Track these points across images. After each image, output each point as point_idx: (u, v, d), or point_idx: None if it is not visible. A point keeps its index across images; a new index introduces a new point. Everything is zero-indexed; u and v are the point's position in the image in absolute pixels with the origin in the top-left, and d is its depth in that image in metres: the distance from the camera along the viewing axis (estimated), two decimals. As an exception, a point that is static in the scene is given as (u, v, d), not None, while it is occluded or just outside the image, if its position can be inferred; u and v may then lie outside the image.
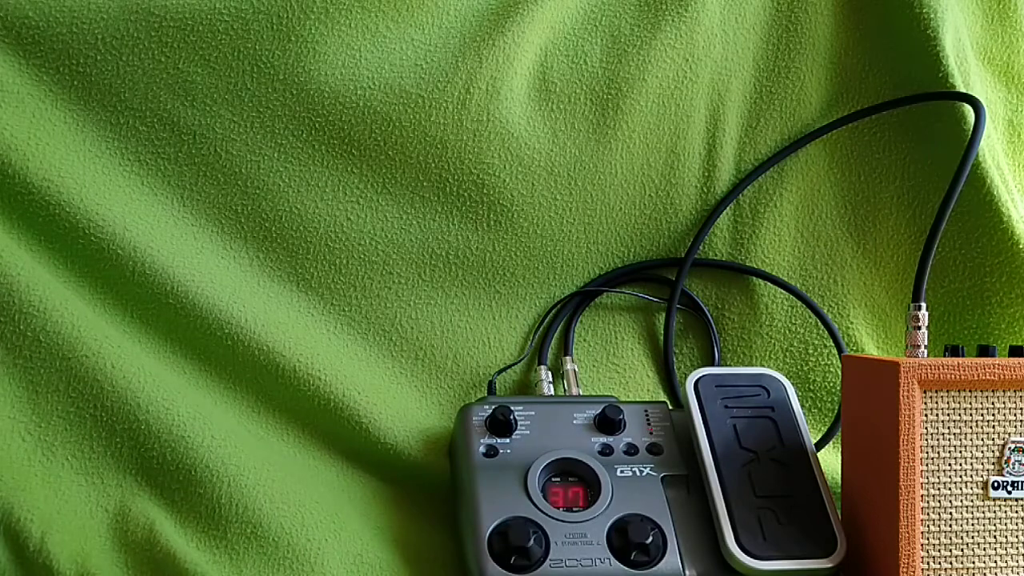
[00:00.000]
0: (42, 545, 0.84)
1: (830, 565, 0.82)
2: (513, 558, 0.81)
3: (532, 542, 0.81)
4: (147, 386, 0.90)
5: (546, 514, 0.84)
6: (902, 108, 1.06)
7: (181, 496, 0.89)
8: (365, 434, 0.94)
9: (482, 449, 0.89)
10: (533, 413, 0.91)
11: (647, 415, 0.93)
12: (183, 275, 0.93)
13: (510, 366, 1.01)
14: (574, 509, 0.85)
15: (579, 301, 1.03)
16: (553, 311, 1.03)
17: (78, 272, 0.93)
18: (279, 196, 0.97)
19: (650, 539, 0.83)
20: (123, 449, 0.90)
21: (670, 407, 0.94)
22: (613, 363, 1.04)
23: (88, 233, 0.92)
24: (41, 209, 0.91)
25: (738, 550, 0.82)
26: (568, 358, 1.01)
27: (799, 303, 1.05)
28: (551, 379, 0.99)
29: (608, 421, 0.91)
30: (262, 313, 0.95)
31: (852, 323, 1.05)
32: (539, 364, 1.01)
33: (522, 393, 1.01)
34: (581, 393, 0.99)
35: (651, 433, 0.91)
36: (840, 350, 1.04)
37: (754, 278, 1.06)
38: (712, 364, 1.04)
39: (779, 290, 1.05)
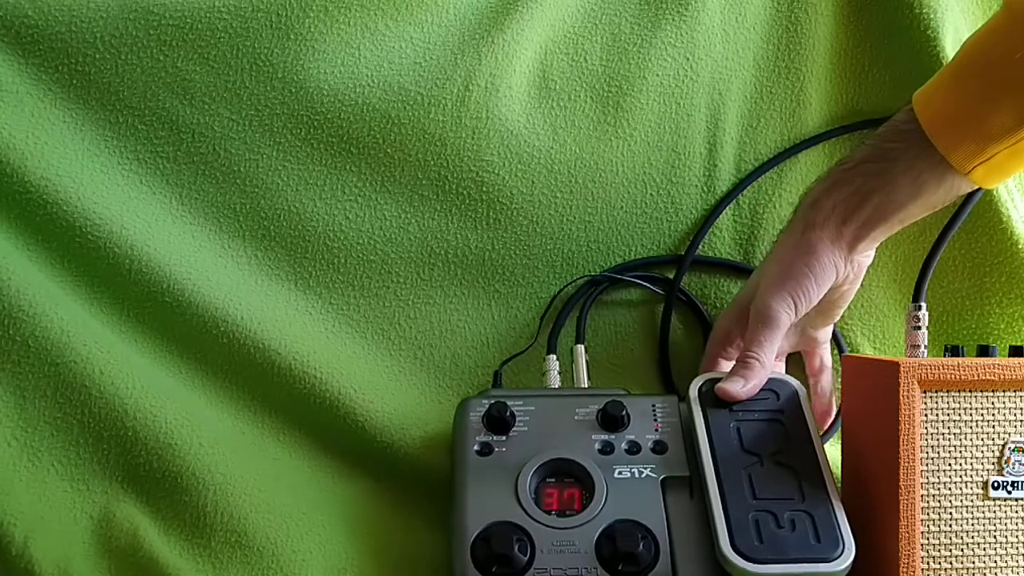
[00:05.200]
0: (24, 550, 0.84)
1: (834, 570, 0.79)
2: (495, 567, 0.79)
3: (516, 549, 0.79)
4: (135, 392, 0.90)
5: (534, 519, 0.82)
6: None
7: (166, 503, 0.89)
8: (362, 432, 0.94)
9: (476, 447, 0.87)
10: (533, 408, 0.89)
11: (655, 410, 0.90)
12: (181, 273, 0.93)
13: (516, 355, 1.00)
14: (567, 513, 0.83)
15: (589, 289, 1.02)
16: (560, 294, 1.01)
17: (75, 271, 0.93)
18: (278, 195, 0.97)
19: (640, 547, 0.80)
20: (109, 455, 0.90)
21: (680, 399, 0.92)
22: (616, 361, 1.03)
23: (85, 232, 0.92)
24: (39, 208, 0.91)
25: (732, 553, 0.79)
26: (580, 347, 1.00)
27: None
28: (559, 369, 0.98)
29: (610, 418, 0.88)
30: (259, 311, 0.95)
31: (848, 323, 1.05)
32: (548, 353, 0.99)
33: (533, 380, 0.99)
34: (590, 383, 0.97)
35: (656, 430, 0.89)
36: (840, 350, 1.04)
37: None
38: None
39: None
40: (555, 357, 0.99)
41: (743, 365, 0.89)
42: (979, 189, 0.97)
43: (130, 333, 0.94)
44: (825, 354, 1.01)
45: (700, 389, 0.90)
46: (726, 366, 0.97)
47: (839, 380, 1.03)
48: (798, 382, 0.91)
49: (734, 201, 1.05)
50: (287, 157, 0.97)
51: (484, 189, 0.99)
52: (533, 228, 1.01)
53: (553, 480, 0.86)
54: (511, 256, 1.01)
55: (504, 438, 0.87)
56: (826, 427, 1.01)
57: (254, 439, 0.94)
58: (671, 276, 1.04)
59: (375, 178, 0.99)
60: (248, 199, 0.97)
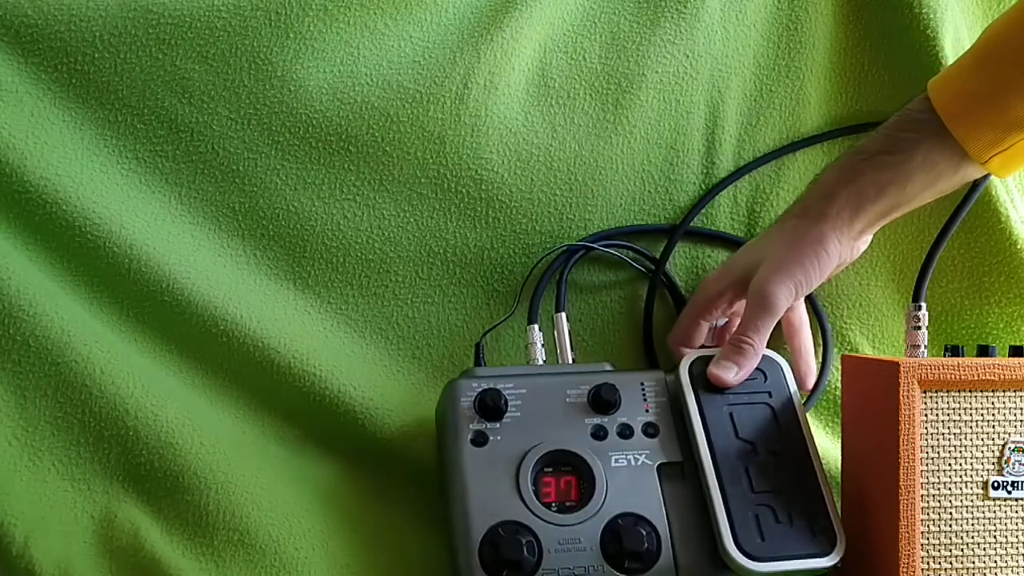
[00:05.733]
0: (25, 550, 0.84)
1: (829, 564, 0.81)
2: (504, 571, 0.80)
3: (524, 553, 0.80)
4: (136, 392, 0.90)
5: (538, 516, 0.83)
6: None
7: (168, 503, 0.89)
8: (361, 429, 0.94)
9: (471, 435, 0.86)
10: (524, 391, 0.89)
11: (643, 388, 0.90)
12: (180, 272, 0.93)
13: (497, 324, 0.99)
14: (568, 504, 0.84)
15: (567, 257, 1.01)
16: (540, 263, 1.01)
17: (74, 270, 0.93)
18: (276, 194, 0.97)
19: (644, 546, 0.82)
20: (110, 455, 0.90)
21: (666, 375, 0.92)
22: (597, 331, 1.02)
23: (85, 231, 0.91)
24: (38, 207, 0.91)
25: (736, 552, 0.81)
26: (561, 315, 0.98)
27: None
28: (543, 341, 0.97)
29: (602, 401, 0.88)
30: (259, 310, 0.95)
31: (848, 323, 1.05)
32: (530, 323, 0.98)
33: (514, 349, 0.99)
34: (573, 354, 0.97)
35: (647, 411, 0.89)
36: (827, 348, 1.04)
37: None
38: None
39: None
40: (538, 327, 0.98)
41: (737, 351, 0.89)
42: (981, 184, 0.98)
43: (130, 332, 0.93)
44: (801, 311, 1.01)
45: (691, 371, 0.90)
46: (704, 328, 0.98)
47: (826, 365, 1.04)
48: (783, 359, 0.92)
49: (731, 199, 1.05)
50: (286, 156, 0.97)
51: (483, 187, 0.99)
52: (532, 226, 1.01)
53: (550, 469, 0.86)
54: (510, 255, 1.01)
55: (498, 425, 0.87)
56: (809, 385, 1.02)
57: (255, 438, 0.94)
58: (657, 247, 1.04)
59: (374, 177, 0.98)
60: (247, 198, 0.97)
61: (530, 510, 0.83)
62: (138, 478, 0.89)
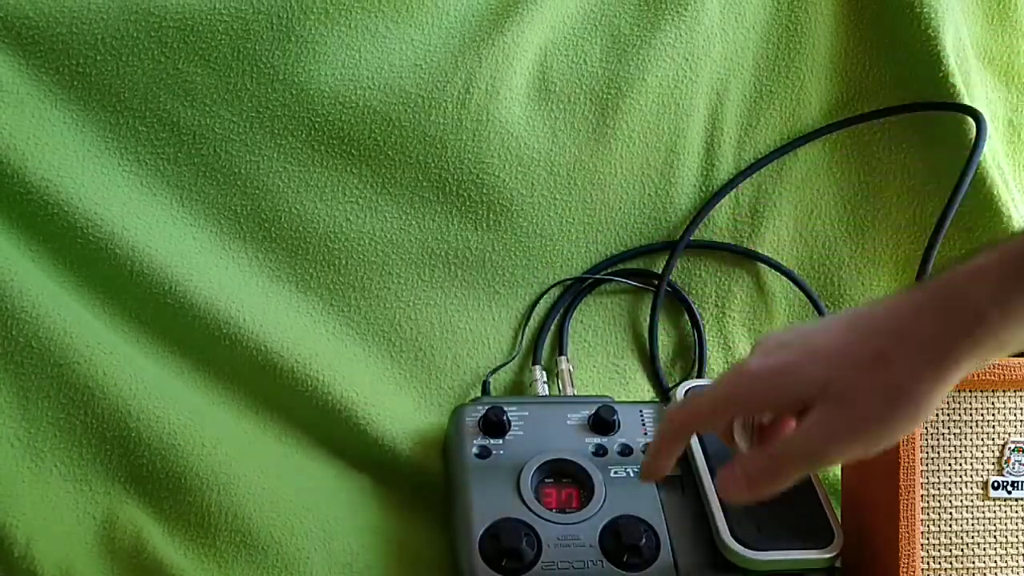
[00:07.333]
0: (27, 551, 0.83)
1: (828, 556, 0.82)
2: (504, 560, 0.81)
3: (523, 544, 0.81)
4: (139, 394, 0.90)
5: (538, 515, 0.84)
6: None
7: (170, 504, 0.88)
8: (363, 435, 0.94)
9: (475, 450, 0.88)
10: (527, 413, 0.91)
11: (642, 415, 0.93)
12: (182, 275, 0.93)
13: (503, 365, 1.00)
14: (567, 510, 0.85)
15: (572, 297, 1.03)
16: (540, 301, 1.02)
17: (76, 272, 0.93)
18: (278, 196, 0.97)
19: (643, 541, 0.82)
20: (112, 457, 0.89)
21: (665, 407, 0.94)
22: (607, 360, 1.03)
23: (86, 233, 0.91)
24: (40, 209, 0.91)
25: (734, 542, 0.82)
26: (563, 358, 1.01)
27: (800, 299, 1.06)
28: (546, 379, 0.99)
29: (602, 422, 0.90)
30: (260, 313, 0.95)
31: (850, 323, 1.05)
32: (533, 364, 1.00)
33: (517, 391, 1.01)
34: (576, 393, 0.98)
35: (645, 434, 0.91)
36: (819, 310, 1.04)
37: (758, 272, 1.06)
38: (704, 361, 1.04)
39: (781, 287, 1.06)
40: (541, 367, 1.00)
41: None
42: (970, 170, 0.97)
43: (132, 334, 0.93)
44: None
45: (687, 394, 0.92)
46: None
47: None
48: None
49: (734, 200, 1.05)
50: (288, 159, 0.97)
51: (484, 191, 0.99)
52: (533, 229, 1.01)
53: (551, 480, 0.87)
54: (511, 257, 1.01)
55: (501, 441, 0.89)
56: None
57: (256, 439, 0.94)
58: (658, 260, 1.05)
59: (376, 180, 0.98)
60: (249, 201, 0.97)
61: (530, 509, 0.84)
62: (140, 479, 0.89)
